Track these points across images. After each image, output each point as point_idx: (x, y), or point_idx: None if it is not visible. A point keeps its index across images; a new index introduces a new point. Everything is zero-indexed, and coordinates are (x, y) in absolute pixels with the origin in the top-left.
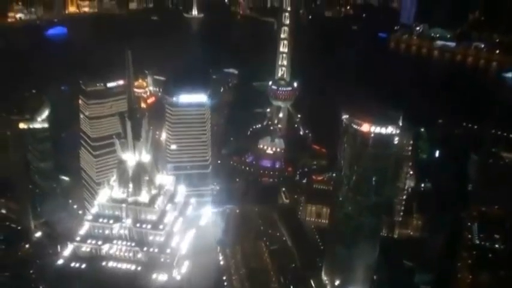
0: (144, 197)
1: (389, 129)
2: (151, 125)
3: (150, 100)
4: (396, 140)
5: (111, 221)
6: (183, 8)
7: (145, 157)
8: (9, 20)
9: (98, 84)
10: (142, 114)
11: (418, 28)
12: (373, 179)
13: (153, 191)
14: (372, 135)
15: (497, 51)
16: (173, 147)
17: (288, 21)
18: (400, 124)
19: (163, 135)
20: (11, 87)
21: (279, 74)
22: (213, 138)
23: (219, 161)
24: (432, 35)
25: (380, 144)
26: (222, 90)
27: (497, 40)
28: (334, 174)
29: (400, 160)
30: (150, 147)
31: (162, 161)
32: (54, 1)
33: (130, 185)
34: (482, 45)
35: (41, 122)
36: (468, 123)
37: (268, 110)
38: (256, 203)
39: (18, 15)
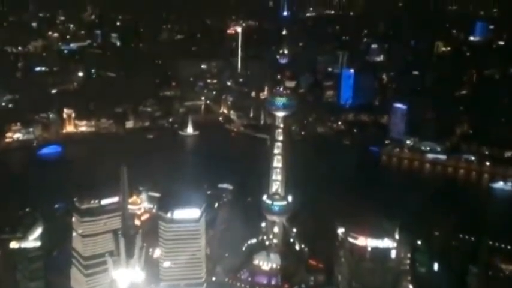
0: None
1: (386, 243)
2: (145, 242)
3: (144, 217)
4: (394, 253)
5: None
6: (179, 126)
7: (139, 275)
8: (6, 140)
9: (92, 202)
10: (136, 232)
11: (408, 142)
12: None
13: None
14: (369, 248)
15: (488, 163)
16: (167, 264)
17: (280, 138)
18: (397, 237)
19: (157, 253)
20: (5, 207)
21: (273, 189)
22: (208, 254)
23: (213, 278)
24: (423, 148)
25: (377, 258)
26: (216, 205)
27: (487, 152)
28: None
29: (399, 274)
30: (143, 265)
31: (155, 279)
32: (52, 121)
33: None
34: (473, 158)
35: (33, 240)
36: (465, 235)
37: (263, 225)
38: None
39: (16, 136)
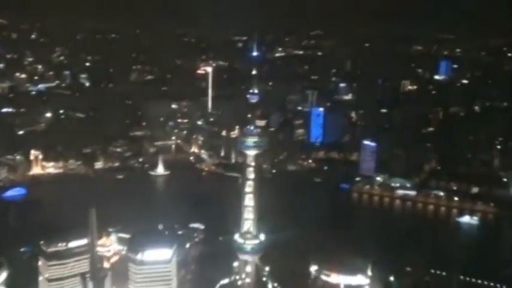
0: None
1: (359, 279)
2: (114, 285)
3: (114, 259)
4: None
5: None
6: (149, 166)
7: None
8: None
9: (59, 245)
10: (105, 274)
11: (378, 178)
12: None
13: None
14: (342, 286)
15: (456, 199)
16: None
17: (252, 176)
18: (370, 273)
19: None
20: None
21: (245, 228)
22: None
23: None
24: (393, 184)
25: None
26: (188, 245)
27: (455, 188)
28: None
29: None
30: None
31: None
32: (18, 163)
33: None
34: (441, 193)
35: None
36: (436, 270)
37: (235, 264)
38: None
39: None
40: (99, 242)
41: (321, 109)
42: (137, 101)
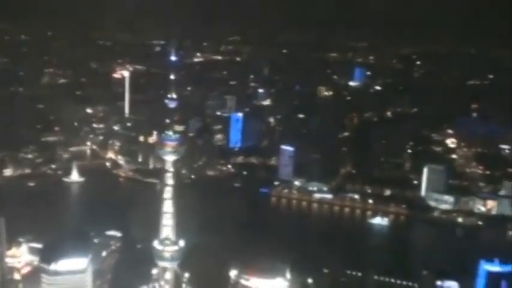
0: None
1: (278, 282)
2: None
3: (25, 270)
4: None
5: None
6: (63, 173)
7: None
8: None
9: None
10: (15, 286)
11: (296, 183)
12: None
13: None
14: None
15: (370, 201)
16: None
17: (170, 182)
18: (288, 276)
19: None
20: None
21: (164, 234)
22: None
23: None
24: (310, 188)
25: None
26: (104, 254)
27: (369, 191)
28: None
29: None
30: None
31: None
32: None
33: None
34: (356, 196)
35: None
36: (352, 271)
37: (154, 271)
38: None
39: None
40: (9, 252)
41: (240, 114)
42: (49, 105)
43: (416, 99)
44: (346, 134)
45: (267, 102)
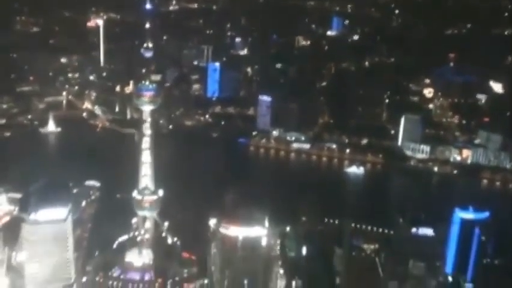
0: None
1: (257, 231)
2: (6, 245)
3: (4, 219)
4: (264, 240)
5: None
6: (39, 123)
7: (1, 281)
8: None
9: None
10: None
11: (274, 132)
12: (245, 281)
13: None
14: (240, 238)
15: (347, 151)
16: (32, 268)
17: (148, 132)
18: (267, 225)
19: (21, 256)
20: None
21: (143, 184)
22: (77, 254)
23: (84, 278)
24: (288, 138)
25: (248, 246)
26: (83, 203)
27: (347, 140)
28: (206, 281)
29: (270, 260)
30: (6, 271)
31: (20, 284)
32: None
33: None
34: (334, 146)
35: None
36: (329, 219)
37: (134, 221)
38: None
39: None
40: None
41: (217, 64)
42: (23, 54)
43: (393, 48)
44: (323, 83)
45: (244, 52)
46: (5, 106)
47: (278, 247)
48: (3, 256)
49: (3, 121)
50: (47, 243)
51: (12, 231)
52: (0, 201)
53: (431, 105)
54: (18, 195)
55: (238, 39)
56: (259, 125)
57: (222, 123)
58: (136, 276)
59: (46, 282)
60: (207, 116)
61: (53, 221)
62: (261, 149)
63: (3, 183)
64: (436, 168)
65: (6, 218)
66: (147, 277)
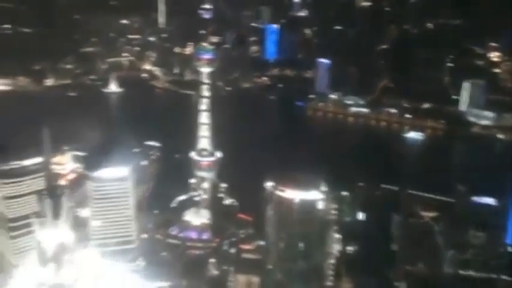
0: (66, 278)
1: (313, 194)
2: (72, 202)
3: (70, 177)
4: (320, 204)
5: None
6: (102, 84)
7: (67, 235)
8: None
9: (13, 163)
10: (61, 192)
11: (332, 96)
12: (301, 244)
13: (76, 271)
14: (296, 201)
15: (407, 116)
16: (96, 224)
17: (206, 93)
18: (323, 189)
19: (85, 212)
20: None
21: (201, 145)
22: (138, 212)
23: (144, 236)
24: (346, 102)
25: (305, 209)
26: (144, 163)
27: (407, 105)
28: (262, 243)
29: (326, 224)
30: (71, 225)
31: (85, 238)
32: None
33: (51, 266)
34: (394, 110)
35: None
36: (387, 185)
37: (192, 181)
38: (184, 277)
39: None
40: (55, 160)
41: (276, 26)
42: (85, 16)
43: (459, 10)
44: (384, 46)
45: (303, 13)
46: (69, 66)
47: (334, 211)
48: (70, 212)
49: (68, 81)
50: (109, 201)
51: (77, 188)
52: (66, 159)
53: (497, 70)
54: (82, 154)
55: (296, 0)
56: (317, 88)
57: (280, 85)
58: (194, 235)
59: (108, 238)
60: (264, 78)
61: (115, 179)
62: (318, 112)
63: (69, 142)
64: (500, 135)
65: (72, 176)
66: (204, 236)
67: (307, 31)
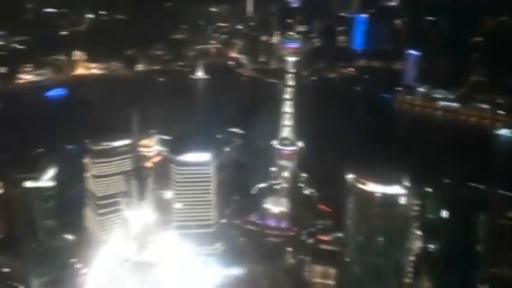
0: (148, 256)
1: (395, 189)
2: (156, 183)
3: (156, 159)
4: (402, 199)
5: (113, 280)
6: (189, 70)
7: (150, 216)
8: (18, 81)
9: (104, 144)
10: (147, 173)
11: (420, 89)
12: (380, 239)
13: (158, 251)
14: (378, 194)
15: (501, 112)
16: (178, 206)
17: (291, 83)
18: (406, 184)
19: (168, 194)
20: (18, 146)
21: (284, 134)
22: (218, 197)
23: (223, 220)
24: (435, 95)
25: (386, 204)
26: (226, 149)
27: (501, 101)
28: (340, 234)
29: (407, 220)
30: (155, 206)
31: (166, 220)
32: (62, 63)
33: (135, 245)
34: (486, 106)
35: (47, 180)
36: (474, 182)
37: (273, 169)
38: (261, 264)
39: (27, 77)
40: (142, 142)
41: (365, 15)
42: (177, 3)
43: None
44: (478, 38)
45: (393, 3)
46: (159, 53)
47: (417, 207)
48: (154, 193)
49: (157, 67)
50: (191, 184)
51: (162, 170)
52: (152, 142)
53: None
54: (168, 137)
55: None
56: (405, 80)
57: (366, 77)
58: (272, 222)
59: (189, 221)
60: (351, 69)
61: (198, 164)
62: (405, 105)
63: (156, 125)
64: None
65: (158, 158)
66: (282, 225)
67: (397, 21)
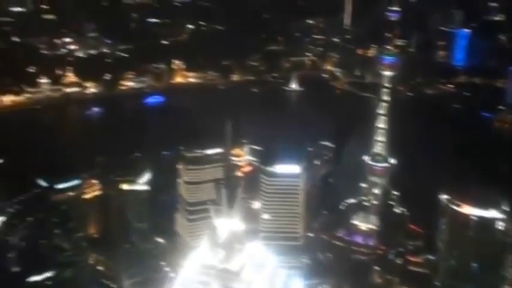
0: (234, 265)
1: (492, 213)
2: (245, 193)
3: (246, 169)
4: (499, 224)
5: (199, 286)
6: (283, 82)
7: (238, 225)
8: (121, 87)
9: (197, 151)
10: (238, 183)
11: None
12: (474, 265)
13: (243, 260)
14: (473, 218)
15: None
16: (266, 216)
17: (386, 98)
18: (505, 208)
19: (257, 205)
20: (117, 149)
21: (376, 150)
22: (306, 210)
23: (310, 234)
24: None
25: (482, 228)
26: (317, 162)
27: None
28: (431, 257)
29: (504, 246)
30: (243, 216)
31: (254, 229)
32: (162, 71)
33: (222, 252)
34: None
35: (142, 184)
36: None
37: (363, 185)
38: (346, 280)
39: (130, 84)
40: (233, 151)
41: (467, 30)
42: (274, 15)
43: None
44: None
45: (498, 18)
46: (255, 63)
47: None
48: (243, 203)
49: (252, 77)
50: (280, 196)
51: (252, 180)
52: (243, 152)
53: None
54: (259, 148)
55: (492, 4)
56: (508, 99)
57: (466, 94)
58: (359, 239)
59: (277, 232)
60: (450, 86)
61: (288, 175)
62: (506, 125)
63: (248, 135)
64: None
65: (248, 168)
66: (370, 242)
67: (502, 37)
